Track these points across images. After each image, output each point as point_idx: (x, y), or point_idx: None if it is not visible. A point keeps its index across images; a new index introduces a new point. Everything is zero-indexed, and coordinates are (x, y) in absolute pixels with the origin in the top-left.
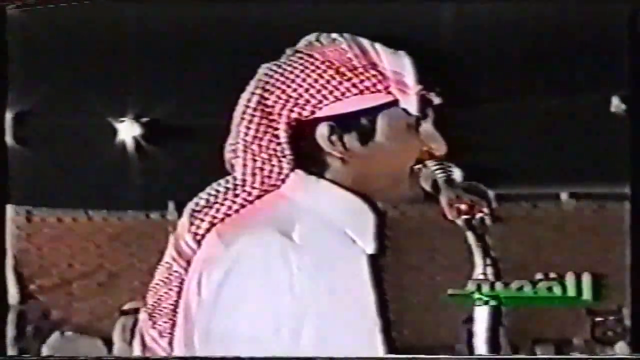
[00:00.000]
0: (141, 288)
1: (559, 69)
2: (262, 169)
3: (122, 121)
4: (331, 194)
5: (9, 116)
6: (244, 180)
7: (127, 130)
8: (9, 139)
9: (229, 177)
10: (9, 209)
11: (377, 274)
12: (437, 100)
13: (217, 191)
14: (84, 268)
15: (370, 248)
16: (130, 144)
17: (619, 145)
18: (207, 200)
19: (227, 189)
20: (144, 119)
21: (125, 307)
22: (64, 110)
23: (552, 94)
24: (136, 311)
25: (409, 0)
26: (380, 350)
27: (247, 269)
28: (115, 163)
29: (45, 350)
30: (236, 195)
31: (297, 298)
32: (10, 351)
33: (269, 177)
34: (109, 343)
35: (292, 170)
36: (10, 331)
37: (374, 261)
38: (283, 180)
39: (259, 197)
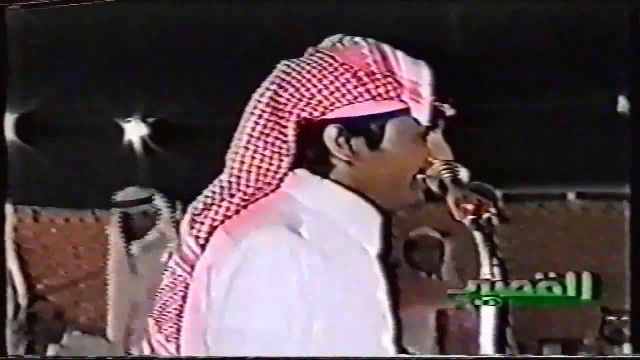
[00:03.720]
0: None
1: (566, 69)
2: (259, 167)
3: (129, 121)
4: (335, 194)
5: (16, 116)
6: (238, 178)
7: (135, 131)
8: (16, 139)
9: (222, 177)
10: (16, 210)
11: (383, 273)
12: (449, 112)
13: (214, 192)
14: (92, 268)
15: (375, 249)
16: (137, 144)
17: (626, 145)
18: (205, 203)
19: (223, 188)
20: (151, 119)
21: None
22: (71, 111)
23: (559, 94)
24: None
25: (417, 2)
26: (389, 347)
27: (257, 265)
28: (122, 163)
29: (52, 350)
30: (232, 196)
31: (307, 294)
32: (12, 351)
33: (265, 175)
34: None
35: (290, 169)
36: (19, 331)
37: (380, 261)
38: (281, 180)
39: (255, 195)
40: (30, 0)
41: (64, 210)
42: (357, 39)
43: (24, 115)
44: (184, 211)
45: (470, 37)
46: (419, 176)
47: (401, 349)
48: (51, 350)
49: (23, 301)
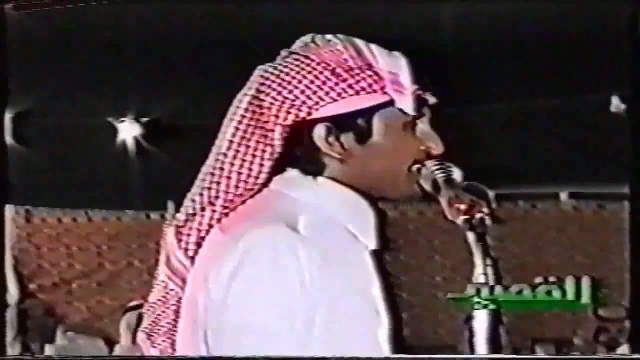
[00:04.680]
0: (141, 287)
1: (558, 69)
2: (239, 173)
3: (123, 121)
4: (330, 190)
5: (9, 116)
6: (218, 184)
7: (128, 130)
8: (9, 138)
9: (198, 183)
10: (9, 209)
11: (381, 269)
12: (432, 100)
13: (194, 201)
14: (84, 268)
15: (373, 244)
16: (130, 143)
17: (619, 145)
18: (187, 214)
19: (202, 195)
20: (145, 119)
21: (130, 304)
22: (65, 111)
23: (552, 94)
24: (139, 307)
25: (409, 1)
26: (384, 343)
27: (257, 263)
28: (115, 163)
29: (46, 350)
30: (212, 204)
31: (307, 289)
32: (10, 350)
33: (246, 181)
34: (109, 342)
35: (273, 172)
36: (10, 330)
37: (378, 256)
38: (263, 184)
39: (233, 202)
40: (24, 1)
41: (56, 210)
42: (329, 36)
43: (17, 115)
44: (177, 210)
45: (464, 36)
46: (415, 166)
47: (396, 346)
48: (45, 350)
49: (12, 300)
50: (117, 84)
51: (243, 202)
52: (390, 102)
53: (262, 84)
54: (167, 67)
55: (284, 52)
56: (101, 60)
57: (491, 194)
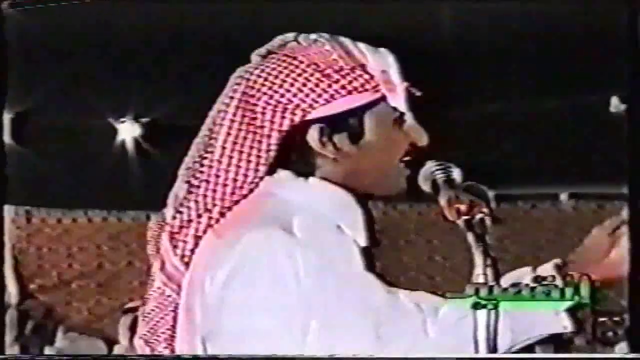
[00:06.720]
0: (140, 288)
1: (558, 69)
2: (235, 180)
3: (123, 121)
4: (320, 190)
5: (8, 116)
6: (214, 192)
7: (128, 131)
8: (8, 139)
9: (192, 190)
10: (9, 210)
11: (372, 267)
12: (418, 94)
13: (189, 208)
14: (84, 268)
15: (362, 240)
16: (130, 144)
17: (618, 145)
18: (181, 220)
19: (197, 202)
20: (144, 120)
21: (128, 305)
22: (64, 111)
23: (551, 94)
24: (137, 310)
25: (409, 0)
26: (380, 342)
27: (254, 267)
28: (115, 163)
29: (46, 352)
30: (209, 210)
31: (304, 290)
32: (10, 351)
33: (242, 187)
34: (109, 343)
35: (261, 178)
36: (10, 330)
37: (369, 254)
38: (251, 190)
39: (230, 208)
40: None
41: (56, 211)
42: (313, 36)
43: (17, 115)
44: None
45: (463, 36)
46: (405, 159)
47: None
48: (45, 350)
49: (14, 300)
50: (117, 84)
51: (236, 203)
52: (380, 100)
53: (251, 87)
54: (168, 67)
55: (262, 51)
56: (101, 60)
57: (491, 194)
